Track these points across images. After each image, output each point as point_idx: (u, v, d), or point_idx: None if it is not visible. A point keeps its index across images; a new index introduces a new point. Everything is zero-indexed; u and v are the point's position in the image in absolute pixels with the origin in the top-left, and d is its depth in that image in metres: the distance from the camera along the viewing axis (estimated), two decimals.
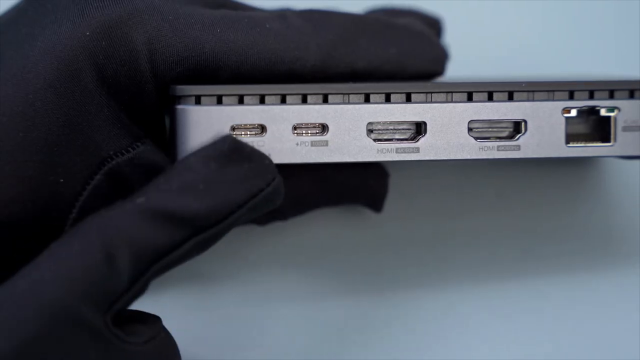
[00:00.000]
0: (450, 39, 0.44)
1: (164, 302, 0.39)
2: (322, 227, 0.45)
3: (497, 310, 0.45)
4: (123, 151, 0.38)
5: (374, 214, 0.44)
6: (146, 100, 0.37)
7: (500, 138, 0.38)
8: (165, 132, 0.39)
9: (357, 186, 0.42)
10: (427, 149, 0.38)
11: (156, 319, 0.36)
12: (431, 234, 0.45)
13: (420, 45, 0.41)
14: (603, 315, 0.45)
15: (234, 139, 0.36)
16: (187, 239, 0.34)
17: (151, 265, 0.34)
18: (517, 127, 0.38)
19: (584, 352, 0.45)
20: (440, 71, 0.41)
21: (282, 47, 0.38)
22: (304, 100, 0.37)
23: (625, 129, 0.38)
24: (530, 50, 0.47)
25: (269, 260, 0.44)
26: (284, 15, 0.39)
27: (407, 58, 0.40)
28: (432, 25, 0.43)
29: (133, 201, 0.34)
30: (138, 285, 0.34)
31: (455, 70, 0.43)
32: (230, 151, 0.35)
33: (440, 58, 0.41)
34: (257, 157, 0.36)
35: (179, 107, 0.37)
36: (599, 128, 0.39)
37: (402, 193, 0.45)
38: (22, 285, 0.33)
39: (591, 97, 0.38)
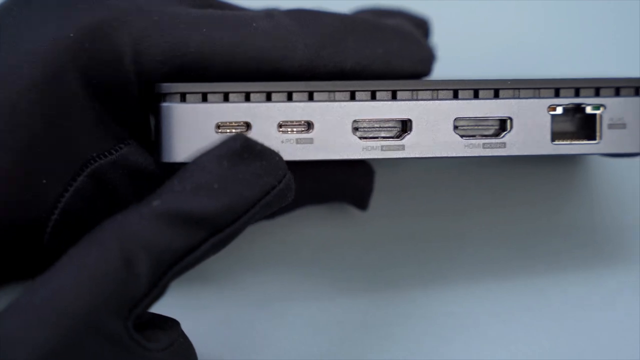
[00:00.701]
0: (444, 38, 0.44)
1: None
2: (308, 226, 0.45)
3: (488, 308, 0.45)
4: (106, 153, 0.38)
5: (360, 212, 0.44)
6: (130, 102, 0.37)
7: (486, 136, 0.38)
8: (150, 134, 0.39)
9: (342, 184, 0.42)
10: (413, 146, 0.38)
11: (175, 323, 0.36)
12: (417, 232, 0.45)
13: (407, 45, 0.41)
14: (591, 313, 0.45)
15: (245, 137, 0.36)
16: (204, 240, 0.34)
17: (169, 268, 0.34)
18: (503, 125, 0.38)
19: (569, 350, 0.45)
20: (427, 72, 0.41)
21: (270, 46, 0.38)
22: (290, 98, 0.37)
23: (611, 126, 0.39)
24: (526, 50, 0.47)
25: (258, 260, 0.44)
26: (271, 14, 0.39)
27: (394, 58, 0.40)
28: (420, 26, 0.43)
29: (148, 204, 0.34)
30: (157, 289, 0.34)
31: (452, 71, 0.44)
32: (242, 149, 0.35)
33: (427, 59, 0.41)
34: (268, 155, 0.36)
35: (164, 104, 0.37)
36: (584, 126, 0.39)
37: (388, 191, 0.45)
38: (41, 294, 0.33)
39: (577, 94, 0.39)
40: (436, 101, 0.38)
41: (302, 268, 0.45)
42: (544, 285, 0.45)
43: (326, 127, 0.37)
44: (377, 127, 0.38)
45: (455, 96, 0.38)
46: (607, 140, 0.39)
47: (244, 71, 0.38)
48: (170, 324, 0.36)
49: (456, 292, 0.45)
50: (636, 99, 0.39)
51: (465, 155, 0.38)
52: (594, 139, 0.39)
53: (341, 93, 0.38)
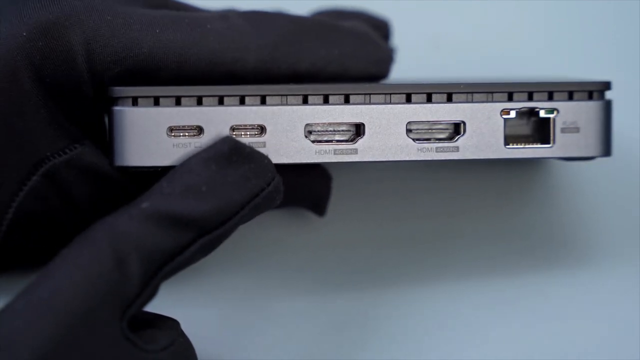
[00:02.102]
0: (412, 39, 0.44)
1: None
2: (266, 230, 0.45)
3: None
4: (60, 152, 0.38)
5: (317, 218, 0.44)
6: (84, 101, 0.37)
7: (439, 140, 0.38)
8: (105, 134, 0.39)
9: (300, 189, 0.42)
10: (365, 150, 0.38)
11: (174, 324, 0.36)
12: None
13: (363, 47, 0.41)
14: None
15: (234, 140, 0.36)
16: (193, 241, 0.35)
17: (160, 269, 0.34)
18: (457, 129, 0.38)
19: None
20: (384, 73, 0.42)
21: (223, 48, 0.38)
22: (242, 102, 0.37)
23: (564, 130, 0.39)
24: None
25: (254, 260, 0.45)
26: (226, 16, 0.39)
27: (350, 60, 0.40)
28: (380, 28, 0.43)
29: (137, 206, 0.35)
30: (149, 289, 0.34)
31: (426, 72, 0.44)
32: (231, 152, 0.36)
33: (384, 60, 0.41)
34: (256, 157, 0.36)
35: (116, 108, 0.37)
36: (538, 130, 0.39)
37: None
38: (39, 294, 0.33)
39: (530, 98, 0.39)
40: (389, 105, 0.38)
41: (297, 268, 0.45)
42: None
43: (279, 131, 0.37)
44: (330, 131, 0.38)
45: (409, 100, 0.38)
46: (560, 144, 0.39)
47: (197, 72, 0.38)
48: (169, 324, 0.36)
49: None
50: (590, 103, 0.39)
51: (418, 159, 0.38)
52: (548, 143, 0.39)
53: (294, 97, 0.38)
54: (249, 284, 0.44)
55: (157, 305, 0.36)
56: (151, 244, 0.34)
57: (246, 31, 0.39)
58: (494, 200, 0.46)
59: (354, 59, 0.40)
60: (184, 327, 0.36)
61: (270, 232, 0.45)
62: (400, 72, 0.44)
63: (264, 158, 0.36)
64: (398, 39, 0.44)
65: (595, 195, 0.46)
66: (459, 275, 0.45)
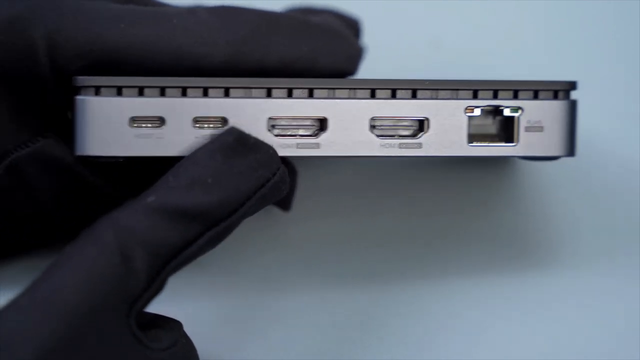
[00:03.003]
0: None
1: None
2: (266, 230, 0.45)
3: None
4: (22, 145, 0.38)
5: (318, 217, 0.44)
6: (47, 95, 0.38)
7: (403, 136, 0.38)
8: (69, 127, 0.39)
9: None
10: (328, 145, 0.38)
11: (177, 324, 0.36)
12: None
13: (332, 43, 0.41)
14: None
15: (239, 130, 0.36)
16: (200, 234, 0.35)
17: (167, 264, 0.34)
18: (421, 126, 0.38)
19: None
20: (352, 70, 0.41)
21: (189, 43, 0.38)
22: (205, 94, 0.37)
23: (528, 129, 0.39)
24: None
25: (256, 256, 0.45)
26: (193, 10, 0.39)
27: (319, 56, 0.40)
28: (351, 27, 0.43)
29: (143, 200, 0.35)
30: (155, 284, 0.34)
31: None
32: (235, 143, 0.36)
33: (353, 56, 0.41)
34: (262, 148, 0.36)
35: (79, 97, 0.37)
36: (503, 128, 0.39)
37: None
38: (42, 291, 0.33)
39: (495, 97, 0.39)
40: (353, 100, 0.38)
41: (297, 267, 0.45)
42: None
43: (241, 123, 0.37)
44: (294, 125, 0.38)
45: (373, 96, 0.38)
46: (524, 143, 0.39)
47: (163, 67, 0.38)
48: (172, 325, 0.36)
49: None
50: (554, 103, 0.39)
51: (381, 154, 0.38)
52: (512, 141, 0.39)
53: (257, 90, 0.38)
54: (249, 283, 0.44)
55: (157, 305, 0.36)
56: (157, 239, 0.34)
57: (214, 26, 0.39)
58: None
59: (323, 55, 0.40)
60: (184, 326, 0.36)
61: (270, 231, 0.45)
62: (400, 72, 0.44)
63: (269, 148, 0.36)
64: (397, 39, 0.45)
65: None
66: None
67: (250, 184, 0.36)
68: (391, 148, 0.38)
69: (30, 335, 0.32)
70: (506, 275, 0.45)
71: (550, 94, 0.39)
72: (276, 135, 0.38)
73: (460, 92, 0.38)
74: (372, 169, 0.45)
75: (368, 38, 0.44)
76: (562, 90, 0.39)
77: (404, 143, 0.38)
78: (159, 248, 0.34)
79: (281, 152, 0.38)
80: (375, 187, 0.45)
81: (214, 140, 0.36)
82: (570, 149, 0.39)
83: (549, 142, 0.39)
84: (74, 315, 0.32)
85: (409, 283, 0.45)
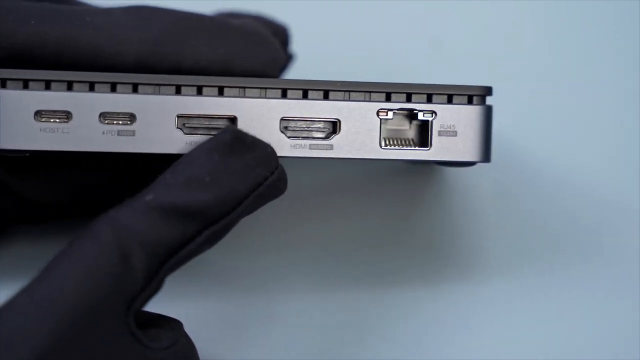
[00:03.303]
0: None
1: None
2: (267, 229, 0.45)
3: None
4: None
5: (320, 216, 0.44)
6: None
7: (315, 137, 0.38)
8: None
9: None
10: None
11: (177, 324, 0.36)
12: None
13: (251, 46, 0.40)
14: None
15: (236, 129, 0.36)
16: (198, 233, 0.35)
17: (165, 262, 0.34)
18: (334, 127, 0.38)
19: None
20: (273, 74, 0.41)
21: (102, 42, 0.38)
22: (113, 89, 0.37)
23: (442, 133, 0.38)
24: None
25: (257, 257, 0.45)
26: (109, 10, 0.39)
27: (236, 59, 0.40)
28: (278, 34, 0.43)
29: (141, 199, 0.35)
30: (153, 283, 0.34)
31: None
32: (233, 142, 0.36)
33: (273, 60, 0.41)
34: (259, 146, 0.36)
35: None
36: (419, 133, 0.39)
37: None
38: (41, 290, 0.33)
39: (408, 100, 0.38)
40: (263, 99, 0.38)
41: (298, 267, 0.45)
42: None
43: (149, 120, 0.37)
44: (204, 124, 0.38)
45: (284, 95, 0.38)
46: (437, 147, 0.38)
47: (75, 64, 0.38)
48: (173, 325, 0.36)
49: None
50: (469, 108, 0.38)
51: (291, 155, 0.38)
52: (426, 146, 0.38)
53: (166, 87, 0.37)
54: (250, 283, 0.44)
55: (157, 305, 0.36)
56: (155, 237, 0.34)
57: (128, 25, 0.39)
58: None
59: (240, 58, 0.40)
60: (184, 326, 0.36)
61: (270, 231, 0.45)
62: (400, 72, 0.44)
63: (267, 147, 0.36)
64: (397, 40, 0.45)
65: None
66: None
67: (248, 183, 0.36)
68: (301, 149, 0.38)
69: (30, 334, 0.32)
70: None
71: (465, 98, 0.38)
72: (186, 133, 0.37)
73: (372, 94, 0.38)
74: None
75: (369, 37, 0.44)
76: (477, 96, 0.38)
77: (315, 144, 0.38)
78: (157, 247, 0.34)
79: (188, 149, 0.37)
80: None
81: (211, 139, 0.36)
82: (485, 155, 0.38)
83: (463, 147, 0.38)
84: (74, 314, 0.32)
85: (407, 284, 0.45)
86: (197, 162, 0.35)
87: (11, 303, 0.33)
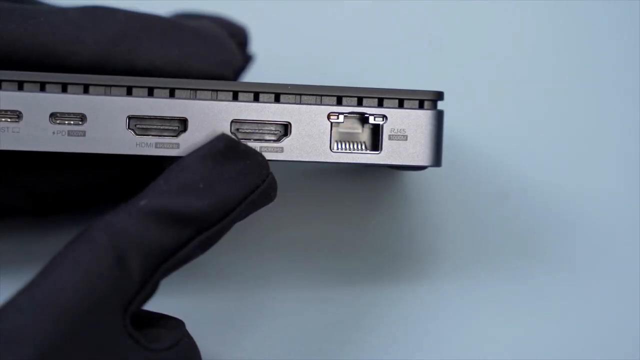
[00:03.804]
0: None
1: None
2: (267, 229, 0.45)
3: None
4: None
5: (319, 215, 0.45)
6: None
7: (267, 140, 0.38)
8: None
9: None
10: (188, 147, 0.38)
11: (179, 323, 0.36)
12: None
13: (206, 48, 0.41)
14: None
15: (229, 137, 0.37)
16: (191, 238, 0.35)
17: (159, 266, 0.35)
18: (286, 130, 0.38)
19: None
20: (228, 75, 0.41)
21: (55, 41, 0.38)
22: (64, 90, 0.37)
23: (392, 137, 0.38)
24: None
25: (255, 257, 0.45)
26: (64, 9, 0.39)
27: (190, 60, 0.40)
28: (236, 35, 0.43)
29: (135, 204, 0.35)
30: (148, 286, 0.35)
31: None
32: (226, 149, 0.36)
33: (228, 62, 0.41)
34: (251, 154, 0.37)
35: None
36: (371, 136, 0.39)
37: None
38: (42, 291, 0.33)
39: (360, 103, 0.38)
40: (214, 102, 0.38)
41: (298, 266, 0.45)
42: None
43: (99, 121, 0.37)
44: (156, 125, 0.38)
45: (235, 98, 0.38)
46: (388, 151, 0.38)
47: (28, 64, 0.38)
48: (175, 324, 0.36)
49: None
50: (419, 112, 0.38)
51: None
52: (377, 149, 0.38)
53: (117, 88, 0.37)
54: (250, 283, 0.44)
55: (157, 305, 0.36)
56: (150, 241, 0.34)
57: (82, 25, 0.39)
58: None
59: (194, 59, 0.40)
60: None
61: (270, 230, 0.45)
62: (398, 72, 0.44)
63: (259, 155, 0.37)
64: (396, 40, 0.45)
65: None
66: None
67: (241, 190, 0.36)
68: None
69: (31, 334, 0.32)
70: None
71: (416, 103, 0.38)
72: (137, 134, 0.38)
73: (323, 97, 0.38)
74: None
75: (367, 38, 0.45)
76: (428, 100, 0.38)
77: (266, 147, 0.38)
78: (152, 250, 0.34)
79: (138, 151, 0.38)
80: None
81: (205, 146, 0.36)
82: (436, 160, 0.39)
83: (413, 151, 0.38)
84: (74, 314, 0.33)
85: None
86: (191, 169, 0.36)
87: (12, 302, 0.33)
